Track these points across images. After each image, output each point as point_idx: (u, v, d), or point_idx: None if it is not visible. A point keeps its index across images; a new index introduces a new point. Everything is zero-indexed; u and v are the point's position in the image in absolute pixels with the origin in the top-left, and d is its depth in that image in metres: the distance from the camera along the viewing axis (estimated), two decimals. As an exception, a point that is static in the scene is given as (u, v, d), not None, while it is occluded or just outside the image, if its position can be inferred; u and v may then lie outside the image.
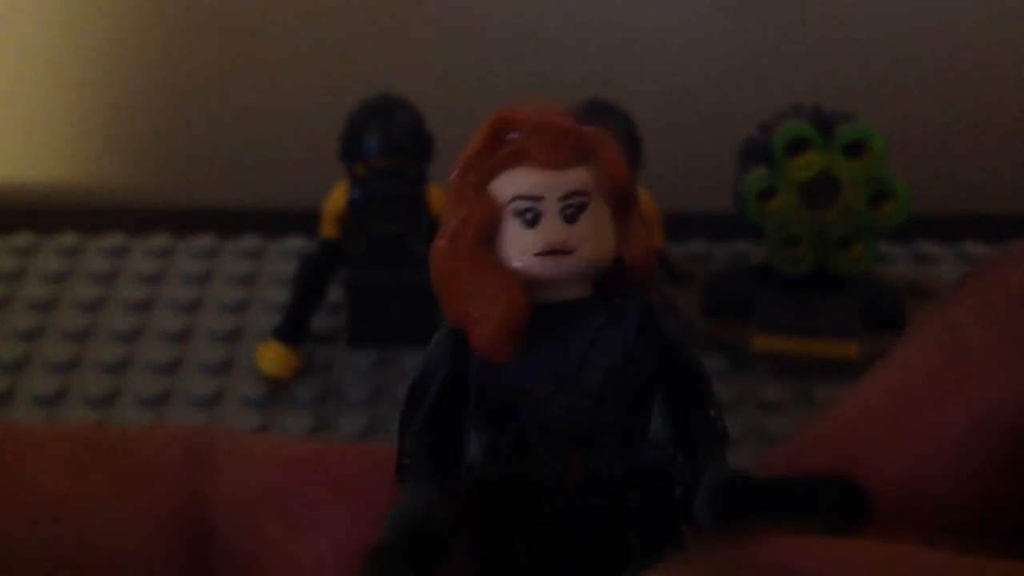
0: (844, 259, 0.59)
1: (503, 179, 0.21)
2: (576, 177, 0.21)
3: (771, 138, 0.58)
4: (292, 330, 0.61)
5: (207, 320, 0.65)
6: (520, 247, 0.21)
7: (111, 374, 0.61)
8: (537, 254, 0.20)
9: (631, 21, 0.78)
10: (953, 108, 0.80)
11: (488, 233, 0.21)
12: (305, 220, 0.67)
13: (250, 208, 0.76)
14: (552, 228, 0.20)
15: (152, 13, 0.78)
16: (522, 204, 0.21)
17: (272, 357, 0.60)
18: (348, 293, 0.61)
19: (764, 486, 0.19)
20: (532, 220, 0.20)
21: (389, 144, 0.57)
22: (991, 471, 0.19)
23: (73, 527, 0.20)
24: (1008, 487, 0.19)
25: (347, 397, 0.59)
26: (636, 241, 0.21)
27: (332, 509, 0.21)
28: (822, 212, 0.58)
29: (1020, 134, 0.81)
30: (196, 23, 0.78)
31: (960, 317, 0.20)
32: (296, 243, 0.72)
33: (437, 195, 0.59)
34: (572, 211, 0.20)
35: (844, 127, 0.57)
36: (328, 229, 0.61)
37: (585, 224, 0.21)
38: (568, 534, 0.20)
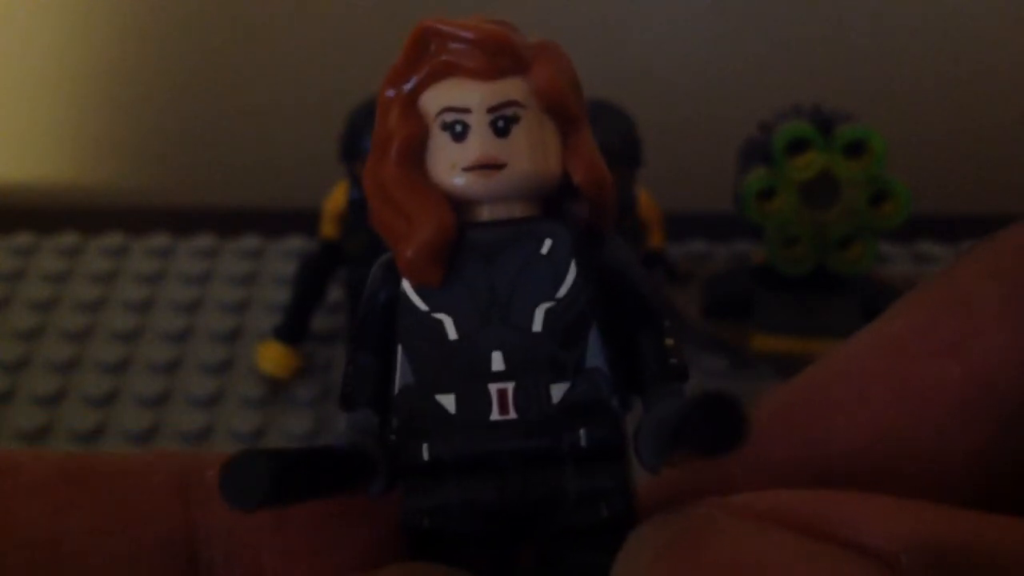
0: (844, 259, 0.59)
1: (431, 93, 0.20)
2: (507, 87, 0.19)
3: (771, 138, 0.58)
4: (292, 330, 0.61)
5: (207, 320, 0.65)
6: (448, 162, 0.19)
7: (111, 374, 0.61)
8: (466, 168, 0.19)
9: (631, 21, 0.78)
10: (953, 108, 0.80)
11: (415, 150, 0.20)
12: (305, 220, 0.67)
13: (250, 208, 0.76)
14: (481, 141, 0.19)
15: (152, 13, 0.78)
16: (449, 116, 0.19)
17: (272, 357, 0.60)
18: (348, 293, 0.61)
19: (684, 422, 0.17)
20: (460, 133, 0.19)
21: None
22: (988, 435, 0.18)
23: (63, 569, 0.19)
24: (1006, 455, 0.18)
25: (347, 397, 0.59)
26: (584, 159, 0.20)
27: (330, 534, 0.20)
28: (822, 212, 0.58)
29: (1020, 134, 0.81)
30: (196, 23, 0.78)
31: (967, 278, 0.19)
32: (296, 243, 0.72)
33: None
34: (504, 123, 0.19)
35: (844, 127, 0.57)
36: (328, 229, 0.61)
37: (519, 137, 0.19)
38: (500, 474, 0.19)
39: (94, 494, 0.20)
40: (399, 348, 0.20)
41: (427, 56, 0.20)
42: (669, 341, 0.20)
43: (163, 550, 0.19)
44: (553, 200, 0.20)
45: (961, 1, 0.78)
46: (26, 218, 0.75)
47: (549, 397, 0.19)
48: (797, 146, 0.58)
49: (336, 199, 0.60)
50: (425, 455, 0.19)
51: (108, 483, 0.20)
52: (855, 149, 0.57)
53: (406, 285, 0.20)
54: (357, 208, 0.59)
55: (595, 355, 0.19)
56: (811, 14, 0.78)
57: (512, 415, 0.19)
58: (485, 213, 0.20)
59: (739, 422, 0.15)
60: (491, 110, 0.19)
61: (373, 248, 0.59)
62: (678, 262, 0.67)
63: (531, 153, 0.19)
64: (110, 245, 0.72)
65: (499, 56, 0.19)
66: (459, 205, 0.20)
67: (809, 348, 0.59)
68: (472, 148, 0.19)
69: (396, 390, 0.20)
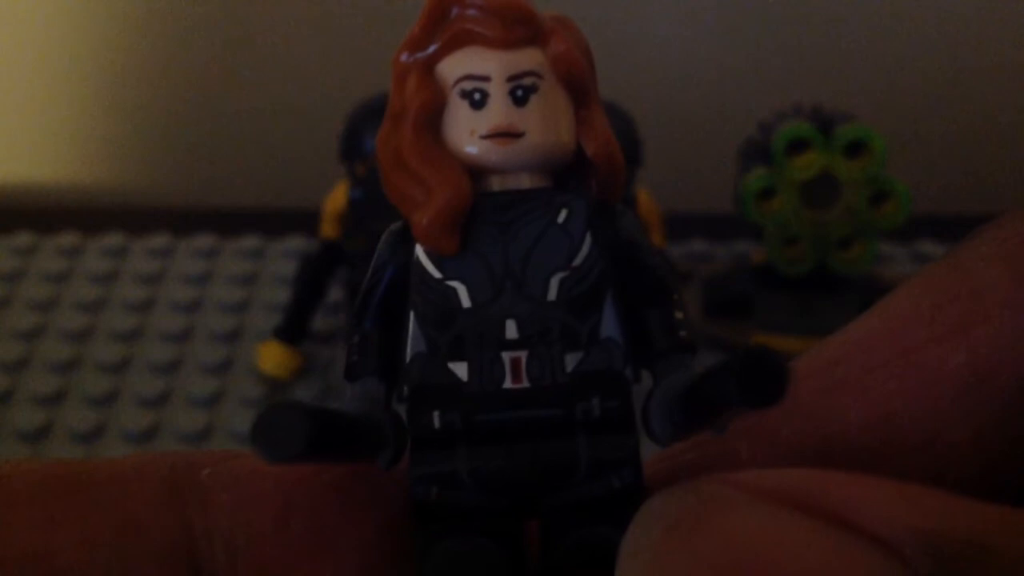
0: (844, 259, 0.59)
1: (449, 60, 0.20)
2: (526, 57, 0.19)
3: (771, 138, 0.58)
4: (292, 330, 0.61)
5: (207, 320, 0.65)
6: (465, 129, 0.19)
7: (111, 374, 0.61)
8: (484, 136, 0.19)
9: (631, 22, 0.78)
10: (953, 108, 0.80)
11: (432, 117, 0.19)
12: (305, 220, 0.67)
13: (250, 208, 0.76)
14: (500, 109, 0.19)
15: (153, 14, 0.78)
16: (468, 84, 0.19)
17: (272, 357, 0.60)
18: (348, 293, 0.61)
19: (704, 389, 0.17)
20: (479, 101, 0.19)
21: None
22: (989, 420, 0.18)
23: None
24: (1006, 440, 0.18)
25: (347, 397, 0.59)
26: (596, 132, 0.20)
27: (334, 523, 0.20)
28: (822, 212, 0.58)
29: (1020, 134, 0.81)
30: (197, 24, 0.78)
31: (972, 263, 0.19)
32: (296, 243, 0.72)
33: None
34: (522, 93, 0.19)
35: (844, 127, 0.57)
36: (328, 229, 0.61)
37: (536, 107, 0.19)
38: (512, 443, 0.19)
39: (85, 505, 0.19)
40: (411, 316, 0.20)
41: (446, 24, 0.20)
42: (679, 314, 0.20)
43: (161, 558, 0.19)
44: (564, 174, 0.20)
45: (961, 1, 0.78)
46: (26, 218, 0.75)
47: (563, 366, 0.19)
48: (797, 146, 0.58)
49: (336, 199, 0.60)
50: (436, 423, 0.19)
51: (99, 492, 0.19)
52: (855, 149, 0.57)
53: (420, 253, 0.20)
54: (357, 208, 0.59)
55: (610, 326, 0.19)
56: (811, 15, 0.78)
57: (525, 383, 0.19)
58: (497, 183, 0.20)
59: (782, 371, 0.15)
60: (510, 79, 0.19)
61: (373, 248, 0.60)
62: (678, 262, 0.67)
63: (548, 123, 0.19)
64: (110, 245, 0.72)
65: (518, 26, 0.19)
66: (471, 175, 0.20)
67: (809, 348, 0.59)
68: (491, 116, 0.19)
69: (408, 358, 0.20)
